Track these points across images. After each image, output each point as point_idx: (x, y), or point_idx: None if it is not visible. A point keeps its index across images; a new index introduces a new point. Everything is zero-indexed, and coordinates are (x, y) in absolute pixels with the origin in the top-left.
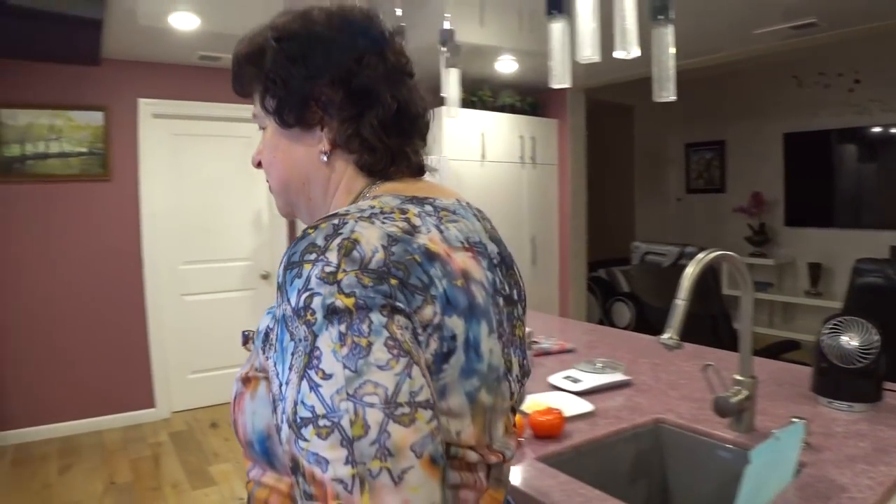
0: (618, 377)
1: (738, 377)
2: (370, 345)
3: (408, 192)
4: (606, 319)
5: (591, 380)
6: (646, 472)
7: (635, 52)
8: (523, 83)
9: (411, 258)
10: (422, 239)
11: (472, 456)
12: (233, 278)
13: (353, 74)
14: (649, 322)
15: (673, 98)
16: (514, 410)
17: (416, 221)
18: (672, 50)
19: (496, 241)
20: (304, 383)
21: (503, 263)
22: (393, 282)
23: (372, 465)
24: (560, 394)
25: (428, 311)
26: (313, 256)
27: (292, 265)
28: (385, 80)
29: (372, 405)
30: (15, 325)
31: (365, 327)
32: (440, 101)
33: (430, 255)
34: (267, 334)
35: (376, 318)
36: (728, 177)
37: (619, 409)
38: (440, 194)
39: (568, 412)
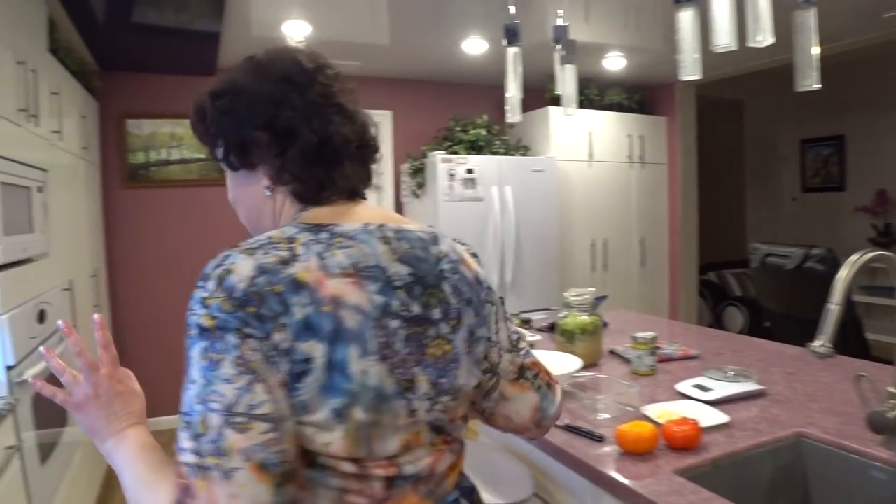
0: (751, 386)
1: (894, 390)
2: (221, 360)
3: (316, 220)
4: (717, 324)
5: (722, 388)
6: (786, 490)
7: (769, 39)
8: (630, 80)
9: (271, 289)
10: (295, 268)
11: (348, 467)
12: None
13: (275, 117)
14: (766, 328)
15: (817, 86)
16: (435, 427)
17: (300, 251)
18: (815, 35)
19: (411, 261)
20: (186, 383)
21: (418, 284)
22: (250, 310)
23: (208, 459)
24: (690, 403)
25: (277, 337)
26: (201, 283)
27: (194, 289)
28: (304, 116)
29: (214, 410)
30: (136, 322)
31: (220, 345)
32: (549, 102)
33: (298, 284)
34: None
35: (231, 338)
36: (848, 174)
37: (756, 421)
38: (350, 219)
39: (702, 423)
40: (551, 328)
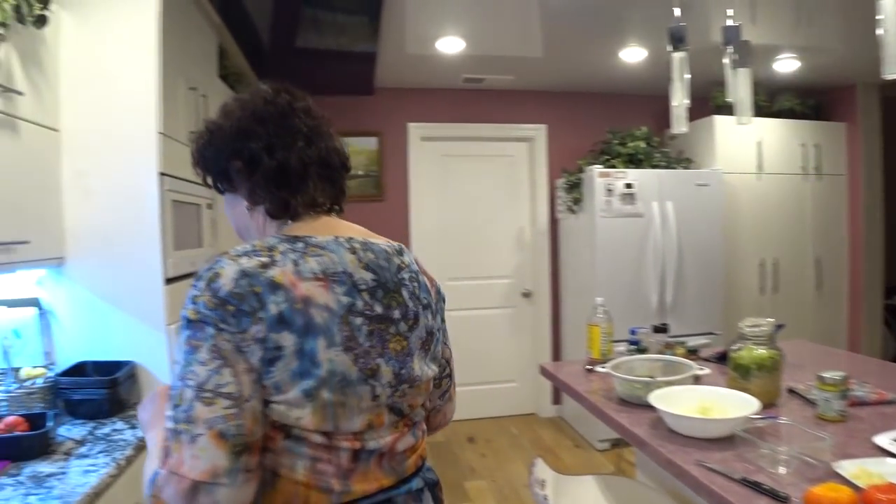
0: None
1: None
2: (199, 347)
3: (293, 232)
4: None
5: None
6: None
7: None
8: (803, 84)
9: (251, 290)
10: (272, 272)
11: (318, 438)
12: (495, 295)
13: (242, 148)
14: None
15: None
16: (396, 410)
17: (278, 258)
18: None
19: (375, 269)
20: (177, 378)
21: (380, 288)
22: (229, 308)
23: (181, 425)
24: (894, 461)
25: (253, 330)
26: (195, 283)
27: (190, 295)
28: (266, 145)
29: (189, 386)
30: None
31: (200, 335)
32: (713, 110)
33: (274, 285)
34: None
35: (209, 330)
36: None
37: None
38: (323, 232)
39: None
40: (720, 359)
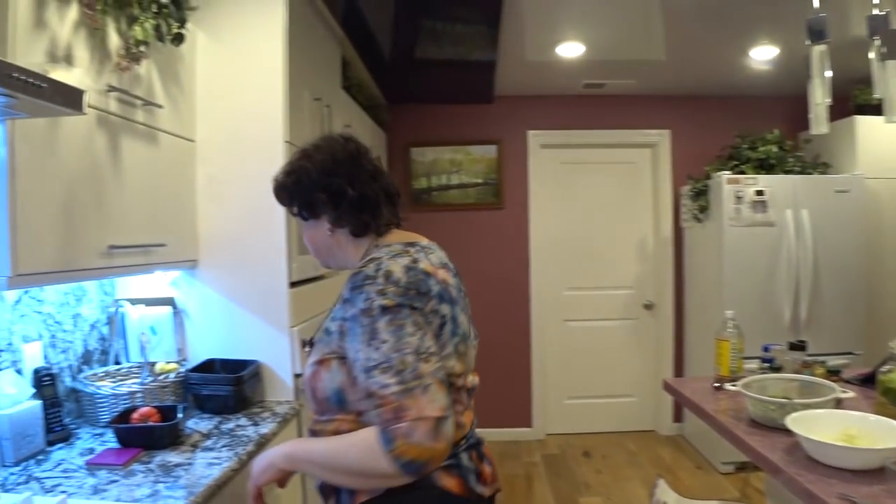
0: None
1: None
2: (404, 324)
3: (402, 240)
4: None
5: None
6: None
7: None
8: None
9: (418, 277)
10: (422, 264)
11: (459, 381)
12: (615, 306)
13: (329, 183)
14: None
15: None
16: (474, 360)
17: (416, 256)
18: None
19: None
20: (370, 348)
21: (457, 276)
22: (411, 292)
23: (411, 383)
24: None
25: (431, 304)
26: (369, 282)
27: (357, 288)
28: (348, 181)
29: (407, 354)
30: None
31: (400, 316)
32: (854, 110)
33: (427, 273)
34: (329, 331)
35: (405, 311)
36: None
37: None
38: (418, 239)
39: None
40: (865, 381)
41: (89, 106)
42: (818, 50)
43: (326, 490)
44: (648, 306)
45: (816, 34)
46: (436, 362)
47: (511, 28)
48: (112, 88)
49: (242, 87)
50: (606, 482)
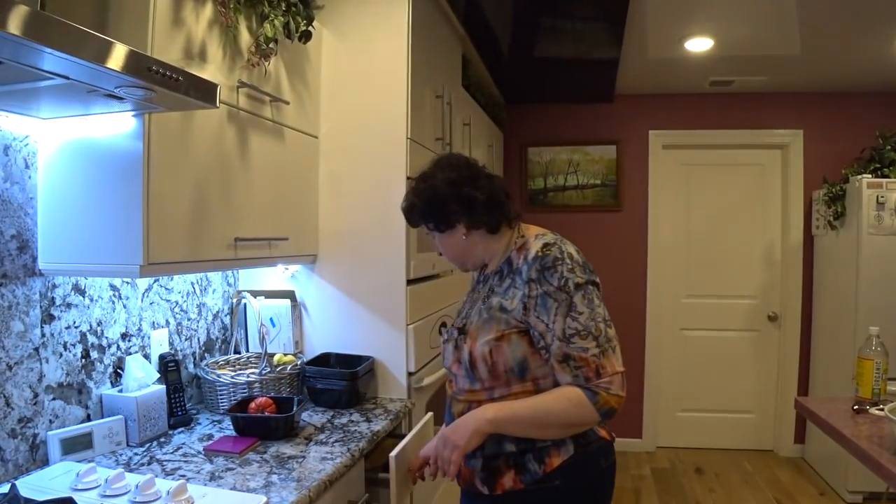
0: None
1: None
2: (593, 298)
3: (539, 231)
4: None
5: None
6: None
7: None
8: None
9: (584, 258)
10: (575, 247)
11: None
12: (736, 316)
13: (458, 194)
14: None
15: None
16: None
17: (566, 241)
18: None
19: None
20: (569, 319)
21: None
22: (588, 270)
23: (605, 345)
24: None
25: (595, 280)
26: (559, 263)
27: (549, 268)
28: (474, 187)
29: (600, 322)
30: None
31: (590, 290)
32: None
33: (582, 255)
34: (505, 309)
35: (591, 287)
36: None
37: None
38: (543, 229)
39: None
40: None
41: (220, 101)
42: None
43: (501, 465)
44: (773, 318)
45: None
46: (613, 328)
47: (636, 23)
48: (242, 84)
49: (366, 84)
50: (719, 502)
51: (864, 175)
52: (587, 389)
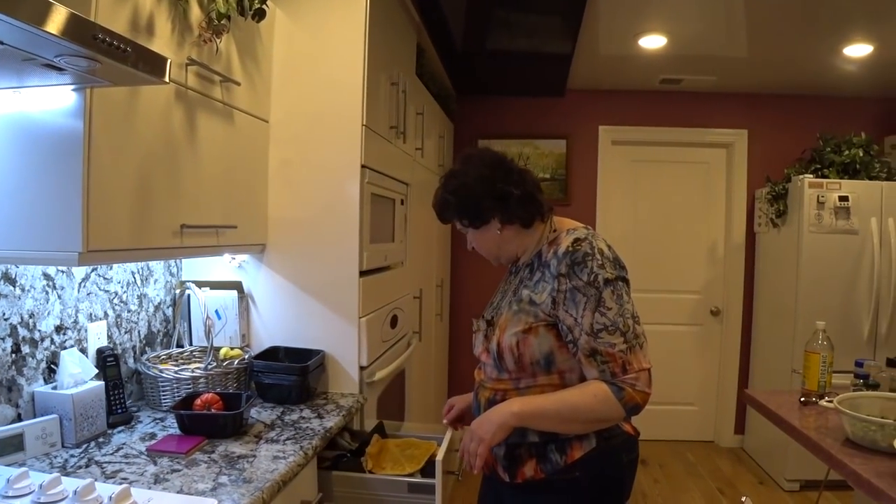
0: None
1: None
2: (622, 294)
3: (571, 224)
4: None
5: None
6: None
7: None
8: None
9: (616, 254)
10: (606, 243)
11: None
12: (680, 311)
13: (493, 190)
14: None
15: None
16: None
17: (598, 236)
18: None
19: None
20: (597, 314)
21: None
22: (619, 266)
23: (634, 342)
24: None
25: (626, 276)
26: (589, 258)
27: (579, 264)
28: (507, 183)
29: (629, 318)
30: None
31: (620, 286)
32: None
33: (614, 250)
34: (534, 303)
35: (621, 283)
36: None
37: None
38: (575, 223)
39: None
40: None
41: (169, 79)
42: None
43: (523, 454)
44: (715, 313)
45: None
46: (640, 325)
47: (592, 18)
48: (192, 62)
49: (320, 67)
50: (664, 493)
51: (806, 175)
52: (613, 385)
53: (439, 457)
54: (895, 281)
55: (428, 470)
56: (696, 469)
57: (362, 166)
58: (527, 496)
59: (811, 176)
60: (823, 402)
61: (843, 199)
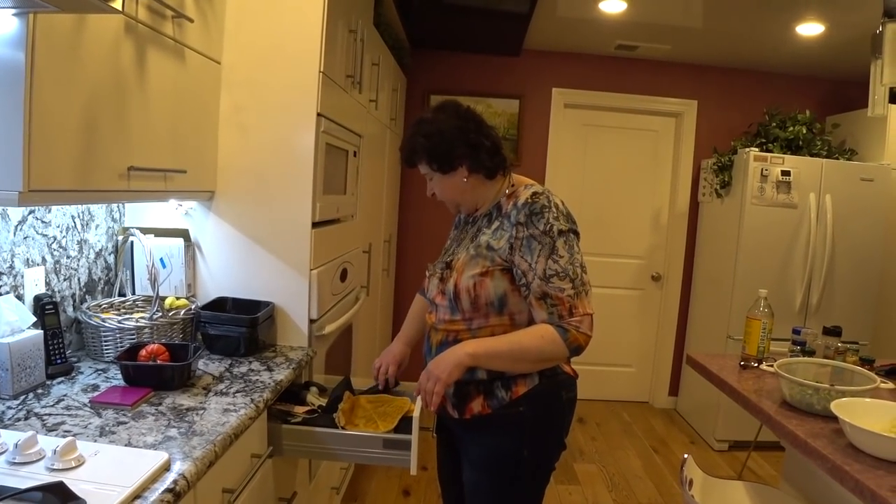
0: None
1: None
2: (573, 245)
3: (529, 181)
4: None
5: None
6: None
7: None
8: None
9: (569, 210)
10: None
11: None
12: (622, 275)
13: (466, 138)
14: None
15: None
16: None
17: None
18: None
19: None
20: (550, 261)
21: None
22: (572, 221)
23: (581, 288)
24: None
25: (577, 230)
26: (546, 210)
27: (536, 214)
28: (482, 135)
29: (577, 266)
30: (414, 288)
31: (571, 237)
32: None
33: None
34: (491, 248)
35: (572, 235)
36: None
37: None
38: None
39: None
40: (890, 374)
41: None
42: (893, 28)
43: (471, 391)
44: (656, 278)
45: (893, 11)
46: (587, 274)
47: None
48: None
49: (277, 9)
50: (601, 450)
51: (752, 148)
52: (559, 327)
53: (416, 413)
54: (828, 254)
55: (402, 426)
56: (631, 428)
57: (318, 114)
58: (475, 431)
59: (756, 149)
60: (764, 366)
61: (786, 173)
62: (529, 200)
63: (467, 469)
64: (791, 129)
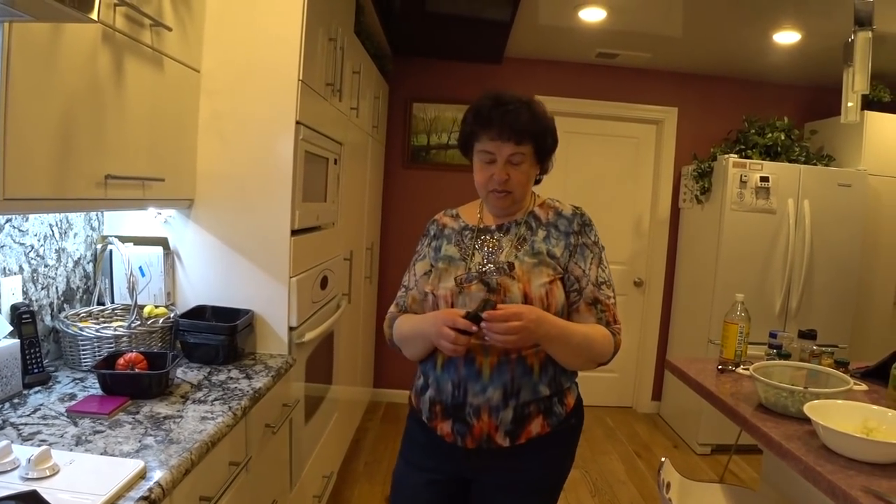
0: None
1: None
2: (605, 257)
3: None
4: None
5: None
6: None
7: None
8: None
9: None
10: None
11: None
12: None
13: (556, 139)
14: None
15: None
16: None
17: None
18: None
19: None
20: (599, 269)
21: None
22: None
23: (615, 299)
24: None
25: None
26: (592, 223)
27: (588, 225)
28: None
29: (611, 278)
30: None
31: (604, 251)
32: (864, 105)
33: None
34: (553, 256)
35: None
36: None
37: None
38: None
39: None
40: (866, 376)
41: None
42: (863, 36)
43: (531, 412)
44: (639, 284)
45: (863, 20)
46: None
47: None
48: (121, 2)
49: (256, 17)
50: (585, 455)
51: (731, 155)
52: (611, 331)
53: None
54: (807, 259)
55: None
56: (614, 433)
57: (297, 122)
58: (525, 456)
59: (735, 156)
60: (740, 370)
61: (764, 179)
62: (578, 212)
63: (507, 500)
64: (770, 135)
